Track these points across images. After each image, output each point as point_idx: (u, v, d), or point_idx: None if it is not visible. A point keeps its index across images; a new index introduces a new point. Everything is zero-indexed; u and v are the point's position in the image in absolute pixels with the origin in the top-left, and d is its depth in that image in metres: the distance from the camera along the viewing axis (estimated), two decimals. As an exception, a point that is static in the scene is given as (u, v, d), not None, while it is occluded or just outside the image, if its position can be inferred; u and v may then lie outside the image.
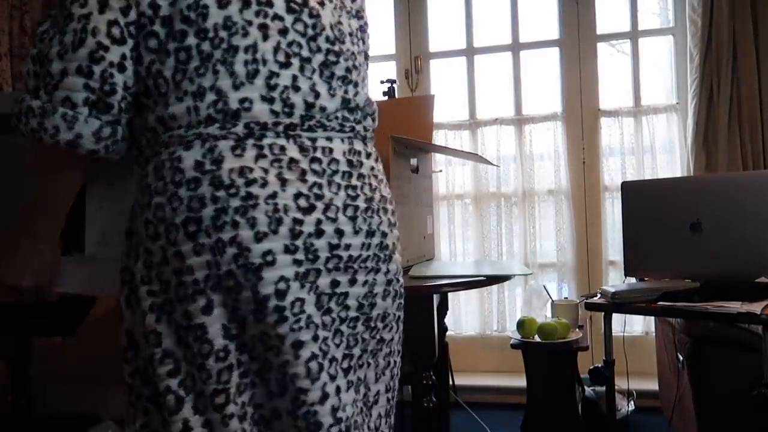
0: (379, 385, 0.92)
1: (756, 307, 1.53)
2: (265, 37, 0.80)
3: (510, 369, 2.85)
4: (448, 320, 2.10)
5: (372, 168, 0.90)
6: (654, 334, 2.54)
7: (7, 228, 0.88)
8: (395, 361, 0.96)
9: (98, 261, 0.97)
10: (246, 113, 0.78)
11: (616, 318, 1.95)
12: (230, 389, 0.78)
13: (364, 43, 0.99)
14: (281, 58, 0.80)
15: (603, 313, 1.89)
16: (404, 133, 1.66)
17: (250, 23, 0.79)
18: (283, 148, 0.79)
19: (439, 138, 3.04)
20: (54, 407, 1.95)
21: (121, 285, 0.86)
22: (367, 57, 1.02)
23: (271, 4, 0.81)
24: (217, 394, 0.78)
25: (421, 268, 1.59)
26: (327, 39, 0.85)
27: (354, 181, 0.85)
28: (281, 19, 0.81)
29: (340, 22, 0.89)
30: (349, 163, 0.85)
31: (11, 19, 2.35)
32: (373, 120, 0.95)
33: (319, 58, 0.84)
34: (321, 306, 0.81)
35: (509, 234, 3.00)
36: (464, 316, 3.07)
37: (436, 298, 1.46)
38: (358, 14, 0.98)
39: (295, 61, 0.82)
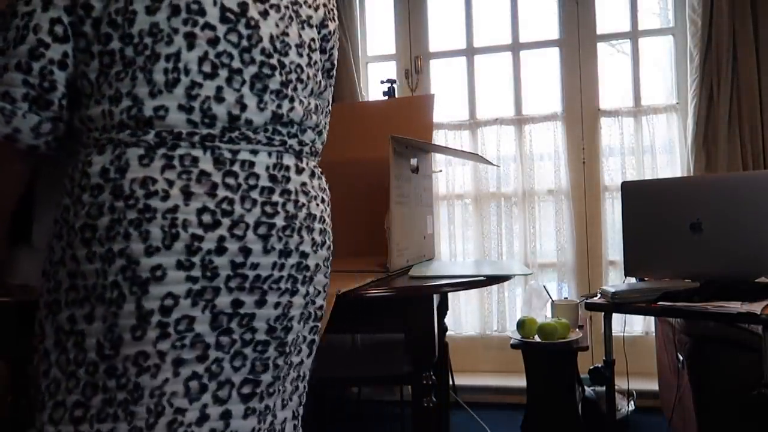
0: (285, 413, 0.88)
1: (756, 307, 1.53)
2: (191, 46, 0.78)
3: (510, 369, 2.85)
4: (448, 320, 2.10)
5: (303, 184, 0.86)
6: (654, 334, 2.54)
7: None
8: (304, 386, 0.92)
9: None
10: (159, 121, 0.76)
11: (616, 318, 1.95)
12: (91, 408, 0.76)
13: (324, 52, 0.96)
14: (207, 68, 0.78)
15: (603, 313, 1.89)
16: (404, 133, 1.66)
17: (176, 31, 0.77)
18: (195, 160, 0.77)
19: (439, 138, 3.04)
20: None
21: None
22: (329, 67, 0.99)
23: (203, 13, 0.78)
24: (78, 406, 0.77)
25: (421, 268, 1.59)
26: (263, 51, 0.82)
27: (275, 198, 0.82)
28: (213, 28, 0.79)
29: (285, 33, 0.85)
30: (272, 178, 0.82)
31: None
32: (318, 133, 0.93)
33: (251, 69, 0.81)
34: (218, 326, 0.78)
35: (509, 234, 3.00)
36: (464, 316, 3.07)
37: (436, 298, 1.46)
38: (323, 23, 0.94)
39: (223, 72, 0.79)
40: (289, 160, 0.85)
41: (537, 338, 2.16)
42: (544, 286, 2.56)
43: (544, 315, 2.41)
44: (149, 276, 0.74)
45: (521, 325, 2.22)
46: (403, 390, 2.69)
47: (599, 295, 1.91)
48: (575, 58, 2.98)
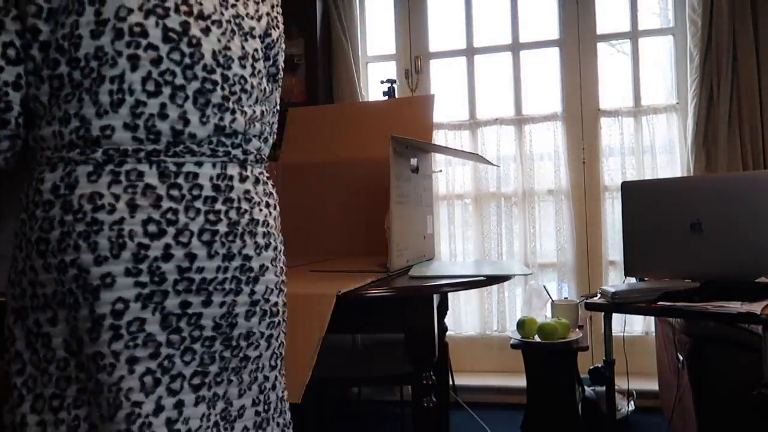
0: (243, 400, 0.95)
1: (756, 307, 1.53)
2: (134, 68, 0.82)
3: (510, 369, 2.85)
4: (448, 320, 2.10)
5: (246, 191, 0.92)
6: (654, 334, 2.54)
7: None
8: (265, 376, 0.99)
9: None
10: (106, 140, 0.82)
11: (616, 318, 1.95)
12: (67, 398, 0.85)
13: (268, 59, 1.02)
14: (150, 87, 0.83)
15: (603, 313, 1.89)
16: (404, 133, 1.66)
17: (120, 54, 0.82)
18: (141, 174, 0.83)
19: (439, 138, 3.04)
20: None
21: None
22: (274, 72, 1.05)
23: (145, 35, 0.83)
24: (55, 397, 0.85)
25: (421, 268, 1.59)
26: (205, 67, 0.87)
27: (218, 206, 0.88)
28: (156, 48, 0.83)
29: (227, 47, 0.91)
30: (216, 188, 0.88)
31: None
32: (264, 141, 0.98)
33: (194, 85, 0.86)
34: (168, 326, 0.84)
35: (509, 234, 3.00)
36: (464, 316, 3.07)
37: (436, 298, 1.46)
38: (266, 32, 1.00)
39: (167, 90, 0.84)
40: (233, 170, 0.91)
41: (537, 338, 2.16)
42: (544, 286, 2.56)
43: (544, 315, 2.41)
44: (99, 283, 0.80)
45: (521, 325, 2.22)
46: (403, 390, 2.69)
47: (599, 295, 1.91)
48: (575, 58, 2.98)
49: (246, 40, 0.94)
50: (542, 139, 2.98)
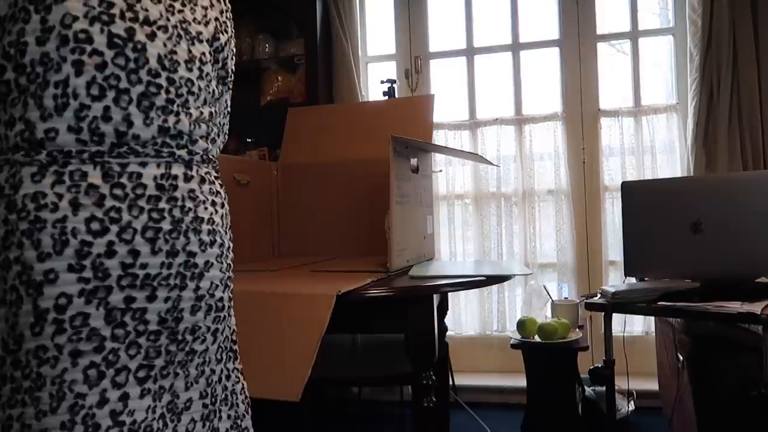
0: (190, 393, 0.97)
1: (756, 307, 1.54)
2: (79, 73, 0.85)
3: (510, 369, 2.85)
4: (448, 320, 2.10)
5: (191, 190, 0.95)
6: (654, 334, 2.54)
7: None
8: (212, 370, 1.00)
9: None
10: (50, 142, 0.84)
11: (616, 318, 1.95)
12: (2, 397, 0.86)
13: (217, 62, 1.04)
14: (95, 91, 0.86)
15: (603, 313, 1.89)
16: (404, 133, 1.66)
17: (64, 59, 0.84)
18: (84, 175, 0.85)
19: (439, 138, 3.04)
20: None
21: None
22: (224, 75, 1.07)
23: (90, 41, 0.85)
24: None
25: (421, 268, 1.59)
26: (149, 71, 0.90)
27: (162, 204, 0.90)
28: (100, 54, 0.86)
29: (174, 52, 0.93)
30: (160, 187, 0.91)
31: None
32: (211, 141, 1.01)
33: (139, 89, 0.89)
34: (112, 320, 0.87)
35: (509, 234, 3.00)
36: (464, 316, 3.07)
37: (436, 298, 1.46)
38: (215, 36, 1.02)
39: (111, 93, 0.87)
40: (177, 170, 0.94)
41: (537, 338, 2.16)
42: (544, 286, 2.56)
43: (544, 315, 2.41)
44: (43, 279, 0.83)
45: (521, 325, 2.22)
46: (403, 390, 2.69)
47: (599, 295, 1.91)
48: (575, 58, 2.98)
49: (193, 44, 0.97)
50: (542, 139, 2.98)
